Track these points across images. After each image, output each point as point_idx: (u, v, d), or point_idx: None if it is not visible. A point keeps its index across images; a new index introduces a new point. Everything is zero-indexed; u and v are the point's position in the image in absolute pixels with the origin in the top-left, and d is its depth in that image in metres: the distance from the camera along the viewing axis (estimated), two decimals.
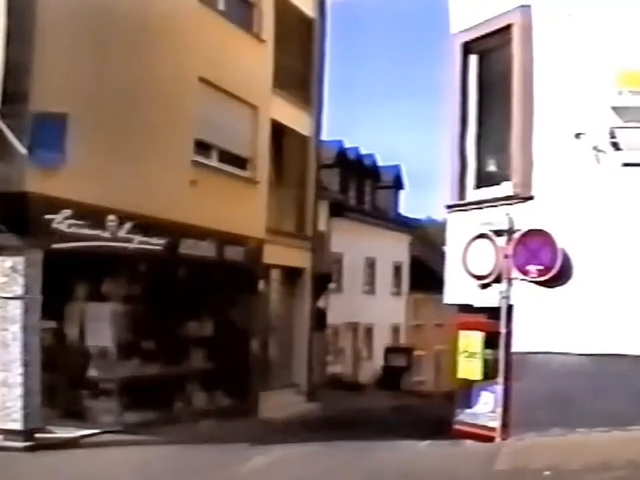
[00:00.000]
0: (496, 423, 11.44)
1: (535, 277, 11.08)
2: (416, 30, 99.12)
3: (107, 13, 13.55)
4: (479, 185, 12.59)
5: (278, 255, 20.18)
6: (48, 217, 12.43)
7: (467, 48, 12.69)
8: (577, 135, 10.74)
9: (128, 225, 14.18)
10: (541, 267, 10.98)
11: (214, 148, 17.63)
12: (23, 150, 11.90)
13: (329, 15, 24.23)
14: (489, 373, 11.69)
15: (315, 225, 23.84)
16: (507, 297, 11.45)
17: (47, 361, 12.59)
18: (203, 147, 17.11)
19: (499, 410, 11.43)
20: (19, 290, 12.03)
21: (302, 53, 22.97)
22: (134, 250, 14.48)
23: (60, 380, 13.60)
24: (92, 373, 14.42)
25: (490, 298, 11.63)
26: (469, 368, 11.93)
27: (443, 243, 13.72)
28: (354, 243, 30.02)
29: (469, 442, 11.57)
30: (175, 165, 15.73)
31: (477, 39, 12.51)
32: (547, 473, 8.46)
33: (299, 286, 23.09)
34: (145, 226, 14.64)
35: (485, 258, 11.71)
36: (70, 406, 13.68)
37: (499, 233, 11.61)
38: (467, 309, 12.25)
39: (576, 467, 8.67)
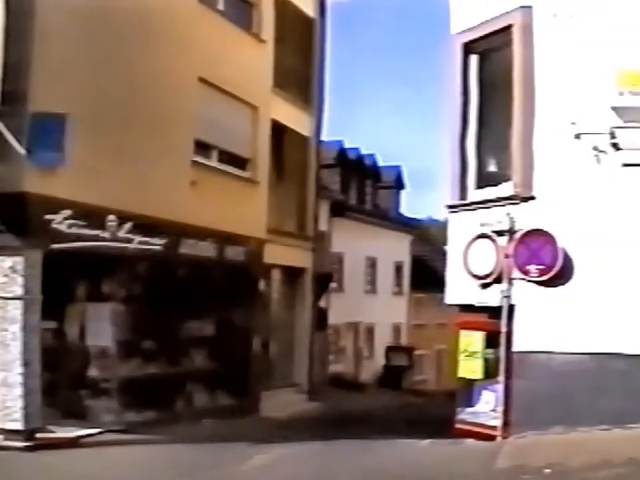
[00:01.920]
0: (497, 422, 11.46)
1: (535, 277, 11.10)
2: (416, 30, 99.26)
3: (106, 13, 13.54)
4: (479, 185, 12.60)
5: (279, 254, 20.18)
6: (48, 217, 12.43)
7: (468, 48, 12.69)
8: (578, 135, 10.74)
9: (128, 225, 14.17)
10: (542, 267, 11.00)
11: (214, 148, 17.62)
12: (21, 150, 11.89)
13: (329, 15, 24.27)
14: (490, 372, 11.72)
15: (316, 224, 23.84)
16: (508, 297, 11.46)
17: (47, 360, 12.59)
18: (203, 147, 17.10)
19: (500, 409, 11.45)
20: (18, 290, 12.03)
21: (302, 53, 22.96)
22: (134, 250, 14.48)
23: (60, 379, 13.61)
24: (92, 372, 14.43)
25: (491, 298, 11.64)
26: (470, 367, 11.95)
27: (444, 243, 13.73)
28: (355, 242, 30.00)
29: (470, 440, 11.59)
30: (175, 165, 15.72)
31: (478, 39, 12.52)
32: (548, 470, 8.47)
33: (300, 286, 23.10)
34: (145, 226, 14.64)
35: (486, 258, 11.72)
36: (70, 405, 13.68)
37: (499, 232, 11.63)
38: (468, 308, 12.26)
39: (577, 465, 8.68)
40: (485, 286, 11.85)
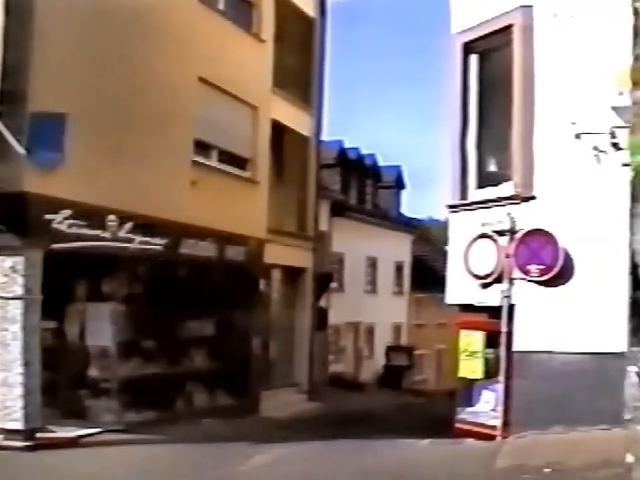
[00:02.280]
0: (497, 421, 11.47)
1: (536, 277, 11.10)
2: (416, 30, 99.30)
3: (105, 12, 13.54)
4: (480, 185, 12.60)
5: (279, 254, 20.18)
6: (48, 216, 12.42)
7: (468, 48, 12.70)
8: (578, 135, 10.74)
9: (128, 225, 14.17)
10: (542, 267, 11.00)
11: (214, 148, 17.61)
12: (21, 150, 11.88)
13: (329, 15, 24.26)
14: (490, 371, 11.73)
15: (316, 224, 23.84)
16: (509, 297, 11.46)
17: (48, 360, 12.58)
18: (203, 147, 17.09)
19: (500, 408, 11.46)
20: (18, 290, 12.03)
21: (302, 52, 22.96)
22: (134, 250, 14.48)
23: (60, 379, 13.61)
24: (92, 372, 14.42)
25: (491, 297, 11.64)
26: (470, 367, 11.96)
27: (445, 243, 13.73)
28: (355, 242, 29.99)
29: (469, 440, 11.59)
30: (175, 165, 15.72)
31: (478, 38, 12.53)
32: (548, 470, 8.47)
33: (300, 286, 23.10)
34: (145, 226, 14.63)
35: (486, 258, 11.72)
36: (70, 405, 13.68)
37: (500, 232, 11.63)
38: (468, 308, 12.26)
39: (576, 464, 8.68)
40: (485, 286, 11.85)
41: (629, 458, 2.15)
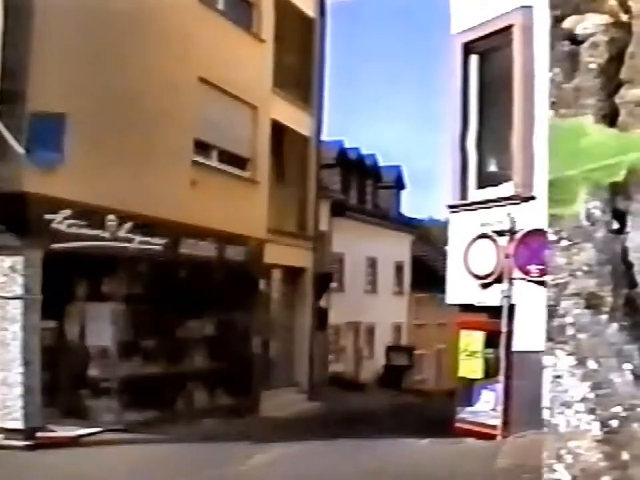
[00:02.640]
0: (497, 421, 11.48)
1: (536, 277, 11.09)
2: (417, 30, 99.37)
3: (105, 12, 13.53)
4: (480, 185, 12.60)
5: (279, 254, 20.18)
6: (47, 216, 12.43)
7: (468, 48, 12.70)
8: None
9: (128, 225, 14.17)
10: (542, 267, 10.98)
11: (214, 148, 17.62)
12: (21, 150, 11.88)
13: (329, 15, 24.28)
14: (490, 371, 11.74)
15: (317, 224, 23.84)
16: (509, 297, 11.46)
17: (48, 360, 12.59)
18: (203, 147, 17.11)
19: (500, 408, 11.46)
20: (18, 290, 12.03)
21: (302, 52, 22.97)
22: (134, 250, 14.48)
23: (60, 379, 13.61)
24: (92, 372, 14.43)
25: (491, 297, 11.64)
26: (470, 367, 11.97)
27: (445, 243, 13.73)
28: (355, 242, 29.99)
29: (469, 440, 11.59)
30: (175, 165, 15.72)
31: (478, 39, 12.53)
32: None
33: (300, 285, 23.10)
34: (145, 226, 14.64)
35: (486, 258, 11.72)
36: (70, 405, 13.69)
37: (500, 232, 11.63)
38: (468, 308, 12.26)
39: None
40: (485, 286, 11.85)
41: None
